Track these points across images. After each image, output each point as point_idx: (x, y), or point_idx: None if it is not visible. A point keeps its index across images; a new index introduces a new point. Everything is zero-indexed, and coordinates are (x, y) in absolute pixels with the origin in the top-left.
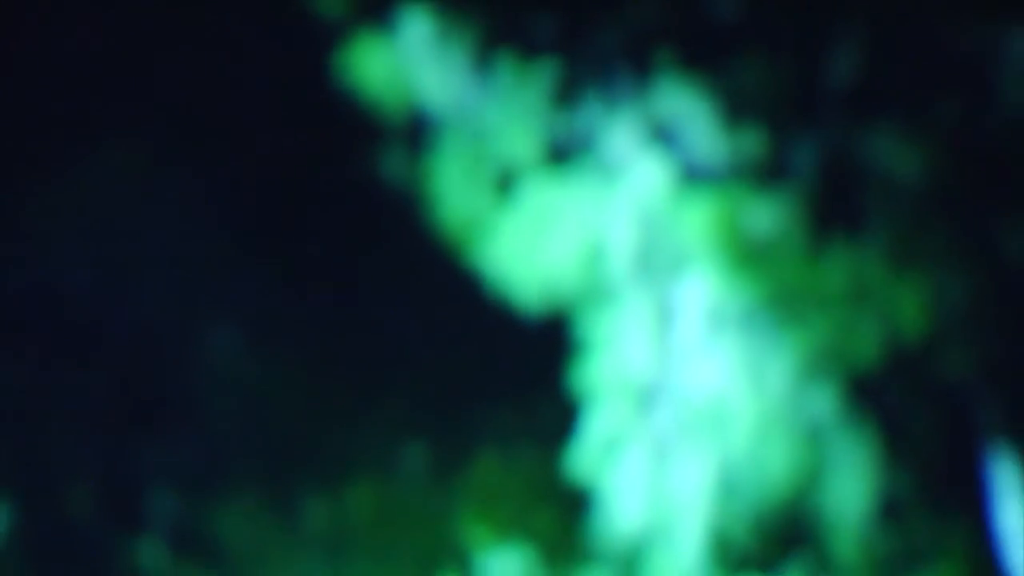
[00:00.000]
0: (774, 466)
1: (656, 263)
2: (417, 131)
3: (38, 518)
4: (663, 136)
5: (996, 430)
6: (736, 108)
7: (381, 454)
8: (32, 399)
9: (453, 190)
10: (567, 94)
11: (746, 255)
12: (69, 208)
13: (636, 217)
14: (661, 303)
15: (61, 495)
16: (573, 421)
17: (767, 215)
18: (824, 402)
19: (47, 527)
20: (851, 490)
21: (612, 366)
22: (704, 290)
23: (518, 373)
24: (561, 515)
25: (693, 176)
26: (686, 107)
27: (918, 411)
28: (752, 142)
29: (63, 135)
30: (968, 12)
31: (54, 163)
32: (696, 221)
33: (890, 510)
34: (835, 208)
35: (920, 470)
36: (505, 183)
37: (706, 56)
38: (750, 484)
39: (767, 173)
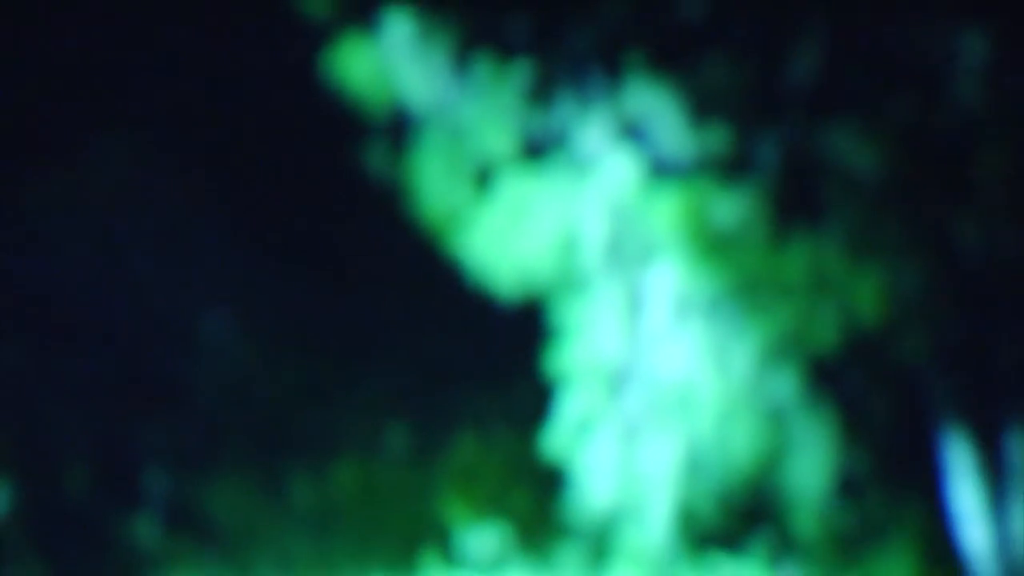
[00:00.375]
0: (738, 446)
1: (626, 253)
2: (399, 127)
3: (38, 496)
4: (633, 133)
5: (950, 412)
6: (702, 106)
7: (364, 435)
8: (32, 383)
9: (434, 183)
10: (541, 93)
11: (712, 245)
12: (67, 198)
13: (607, 209)
14: (631, 291)
15: (60, 475)
16: (548, 403)
17: (732, 208)
18: (786, 385)
19: (47, 505)
20: (811, 469)
21: (585, 351)
22: (672, 279)
23: (495, 358)
24: (536, 493)
25: (661, 171)
26: (655, 105)
27: (875, 394)
28: (717, 138)
29: (62, 128)
30: (922, 15)
31: (53, 154)
32: (664, 213)
33: (848, 488)
34: (796, 201)
35: (877, 450)
36: (483, 177)
37: (673, 57)
38: (715, 463)
39: (731, 168)
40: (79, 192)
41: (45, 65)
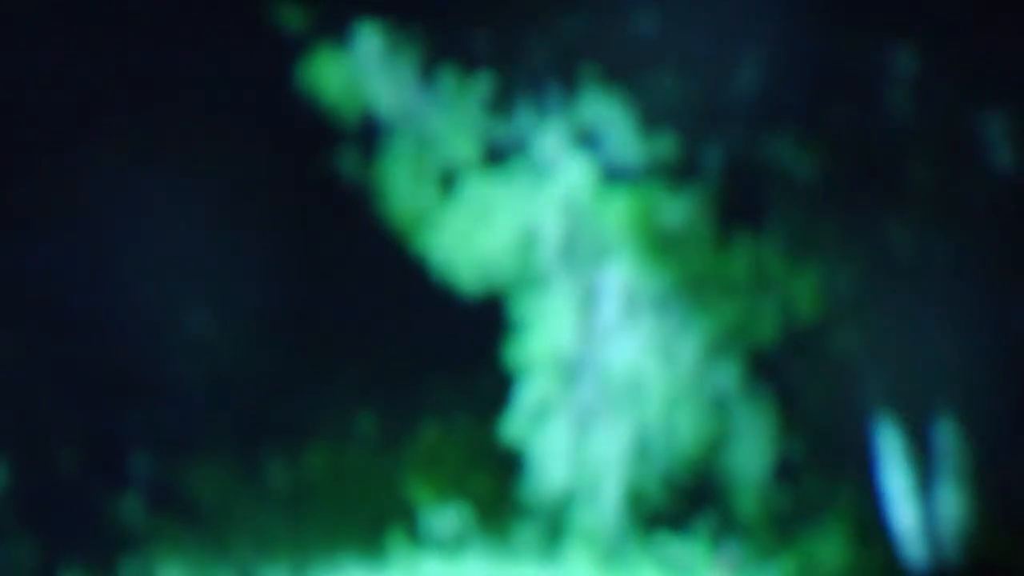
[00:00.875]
0: (683, 432)
1: (580, 252)
2: (370, 134)
3: (31, 477)
4: (586, 140)
5: (881, 402)
6: (651, 116)
7: (336, 422)
8: (27, 374)
9: (401, 186)
10: (502, 103)
11: (659, 245)
12: (60, 199)
13: (562, 211)
14: (584, 287)
15: (52, 457)
16: (507, 392)
17: (678, 210)
18: (728, 376)
19: (39, 485)
20: (752, 454)
21: (541, 343)
22: (622, 276)
23: (458, 349)
24: (496, 476)
25: (613, 176)
26: (607, 115)
27: (812, 384)
28: (665, 146)
29: (53, 134)
30: (855, 33)
31: (41, 156)
32: (615, 215)
33: (786, 472)
34: (738, 205)
35: (813, 436)
36: (447, 180)
37: (625, 70)
38: (662, 448)
39: (678, 173)
40: (71, 193)
41: (39, 76)
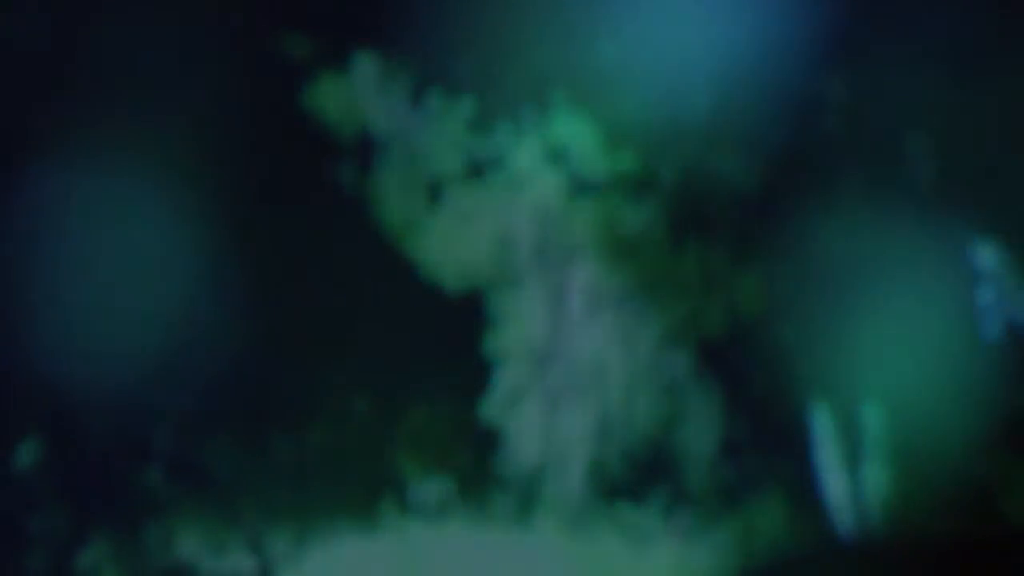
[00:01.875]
0: (640, 414)
1: (550, 255)
2: (366, 149)
3: (64, 451)
4: (557, 156)
5: (814, 387)
6: (614, 135)
7: (335, 403)
8: (58, 358)
9: (393, 195)
10: (482, 123)
11: (620, 250)
12: (70, 196)
13: (535, 219)
14: (554, 286)
15: (81, 434)
16: (485, 378)
17: (636, 219)
18: (680, 364)
19: (69, 457)
20: (700, 433)
21: (516, 334)
22: (587, 276)
23: (443, 339)
24: (475, 453)
25: (580, 188)
26: (576, 134)
27: (754, 372)
28: (626, 161)
29: (52, 134)
30: (796, 63)
31: (45, 159)
32: (581, 223)
33: (731, 449)
34: (690, 214)
35: (755, 417)
36: (434, 191)
37: (591, 94)
38: (622, 428)
39: (637, 186)
40: (87, 192)
41: (39, 75)
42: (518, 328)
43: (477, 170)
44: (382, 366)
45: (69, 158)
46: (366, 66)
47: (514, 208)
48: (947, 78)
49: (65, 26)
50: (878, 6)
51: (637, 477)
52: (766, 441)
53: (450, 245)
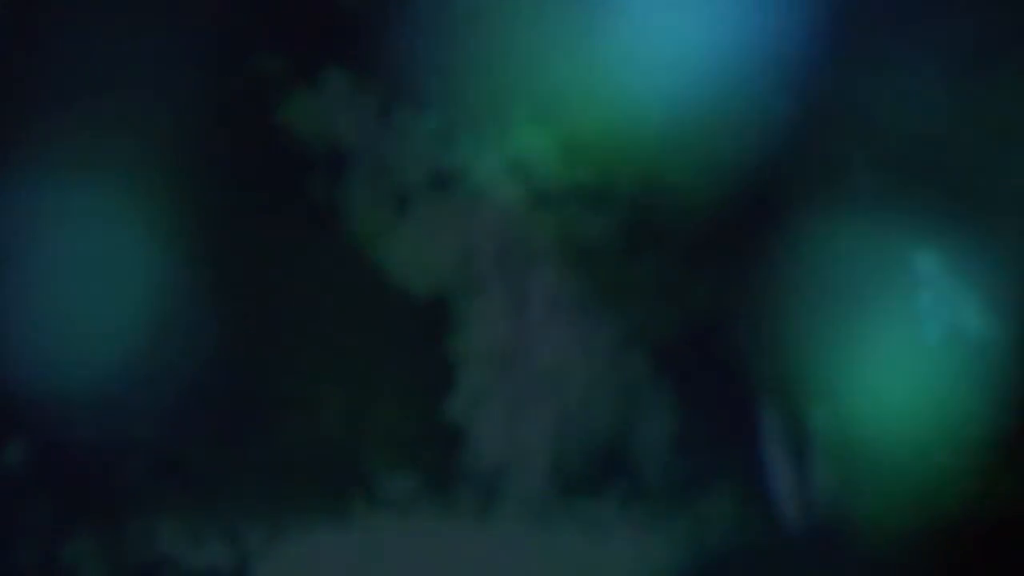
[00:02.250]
0: (599, 413)
1: (512, 262)
2: (338, 162)
3: (47, 449)
4: (519, 169)
5: (764, 386)
6: (572, 149)
7: (308, 402)
8: (42, 364)
9: (362, 205)
10: (448, 137)
11: (579, 257)
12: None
13: (498, 228)
14: (516, 292)
15: (66, 433)
16: (451, 378)
17: (595, 228)
18: (636, 366)
19: (58, 456)
20: (656, 431)
21: (480, 338)
22: (548, 283)
23: (411, 342)
24: (441, 450)
25: (540, 199)
26: (536, 148)
27: (706, 373)
28: (584, 173)
29: (47, 139)
30: (743, 85)
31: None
32: (542, 232)
33: (685, 446)
34: (645, 224)
35: (708, 417)
36: (402, 201)
37: (551, 111)
38: (581, 427)
39: (595, 197)
40: (67, 201)
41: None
42: (481, 331)
43: (442, 181)
44: (352, 367)
45: (50, 169)
46: (336, 83)
47: (477, 218)
48: (889, 91)
49: (43, 41)
50: (824, 26)
51: (595, 473)
52: (719, 438)
53: (417, 252)
